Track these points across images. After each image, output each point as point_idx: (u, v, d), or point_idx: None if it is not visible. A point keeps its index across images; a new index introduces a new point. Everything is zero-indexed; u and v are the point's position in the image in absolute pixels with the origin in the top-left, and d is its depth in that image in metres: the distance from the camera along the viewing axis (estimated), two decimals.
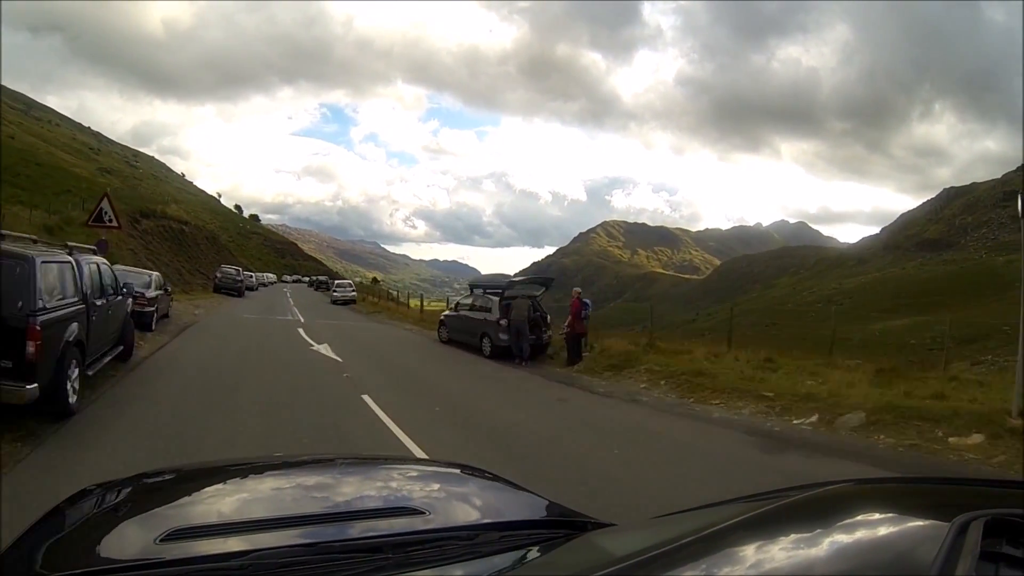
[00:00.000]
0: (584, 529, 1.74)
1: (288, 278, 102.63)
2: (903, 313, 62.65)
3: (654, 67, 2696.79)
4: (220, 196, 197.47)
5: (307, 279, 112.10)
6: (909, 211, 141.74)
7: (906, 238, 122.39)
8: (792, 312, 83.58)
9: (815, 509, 1.39)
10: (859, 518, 1.29)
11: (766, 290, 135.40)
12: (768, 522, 1.30)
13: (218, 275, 44.86)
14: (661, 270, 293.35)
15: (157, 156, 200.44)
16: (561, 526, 1.80)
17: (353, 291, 50.38)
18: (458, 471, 2.40)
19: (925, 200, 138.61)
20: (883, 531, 1.19)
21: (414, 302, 42.59)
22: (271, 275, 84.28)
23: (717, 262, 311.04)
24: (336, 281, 63.46)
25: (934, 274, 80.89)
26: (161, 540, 1.48)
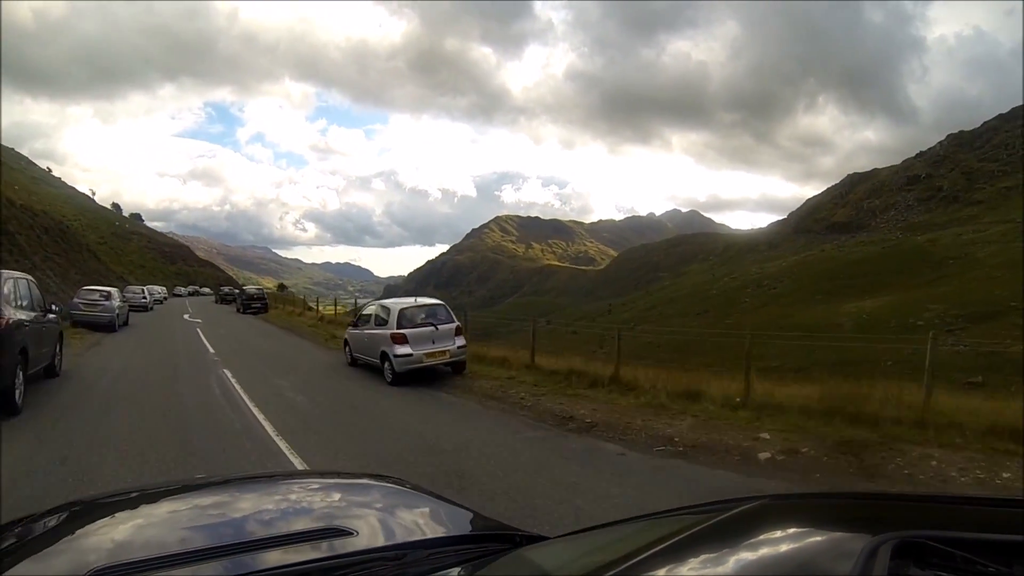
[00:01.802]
0: (513, 542, 1.73)
1: (182, 290, 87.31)
2: (849, 295, 58.65)
3: (544, 61, 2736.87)
4: (94, 194, 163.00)
5: (206, 290, 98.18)
6: (814, 197, 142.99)
7: (815, 222, 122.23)
8: (721, 298, 79.32)
9: (741, 529, 1.40)
10: (777, 538, 1.31)
11: (677, 278, 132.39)
12: (695, 543, 1.31)
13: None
14: (557, 263, 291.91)
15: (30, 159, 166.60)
16: (490, 540, 1.79)
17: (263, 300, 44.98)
18: (383, 483, 2.34)
19: (829, 186, 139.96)
20: (797, 555, 1.21)
21: (328, 308, 39.82)
22: (158, 288, 60.81)
23: (613, 252, 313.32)
24: (243, 288, 56.99)
25: (862, 255, 78.03)
26: None
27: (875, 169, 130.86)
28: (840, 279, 67.51)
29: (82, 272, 45.04)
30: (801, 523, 1.39)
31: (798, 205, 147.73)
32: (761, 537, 1.29)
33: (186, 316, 36.32)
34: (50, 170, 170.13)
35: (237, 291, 73.26)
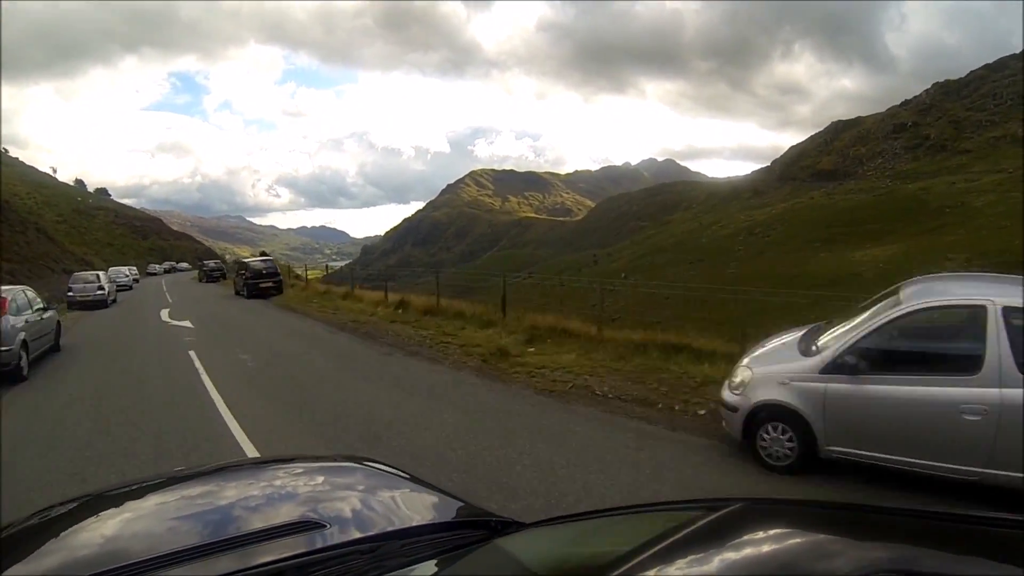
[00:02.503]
0: (488, 528, 1.76)
1: (156, 268, 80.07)
2: (850, 243, 57.92)
3: (515, 13, 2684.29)
4: (55, 172, 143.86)
5: (184, 265, 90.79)
6: (797, 144, 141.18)
7: (799, 169, 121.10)
8: (713, 246, 78.45)
9: (725, 532, 1.42)
10: (759, 541, 1.36)
11: (662, 227, 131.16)
12: (680, 544, 1.33)
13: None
14: (534, 215, 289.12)
15: None
16: (465, 527, 1.81)
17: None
18: (353, 465, 2.35)
19: (812, 134, 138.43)
20: (780, 560, 1.26)
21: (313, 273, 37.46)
22: (125, 271, 48.22)
23: (590, 203, 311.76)
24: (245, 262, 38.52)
25: (855, 203, 77.10)
26: None
27: (859, 117, 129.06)
28: (836, 227, 66.54)
29: (23, 258, 40.25)
30: (784, 529, 1.45)
31: (775, 153, 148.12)
32: (746, 539, 1.34)
33: (165, 315, 23.86)
34: (6, 151, 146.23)
35: (221, 264, 67.01)
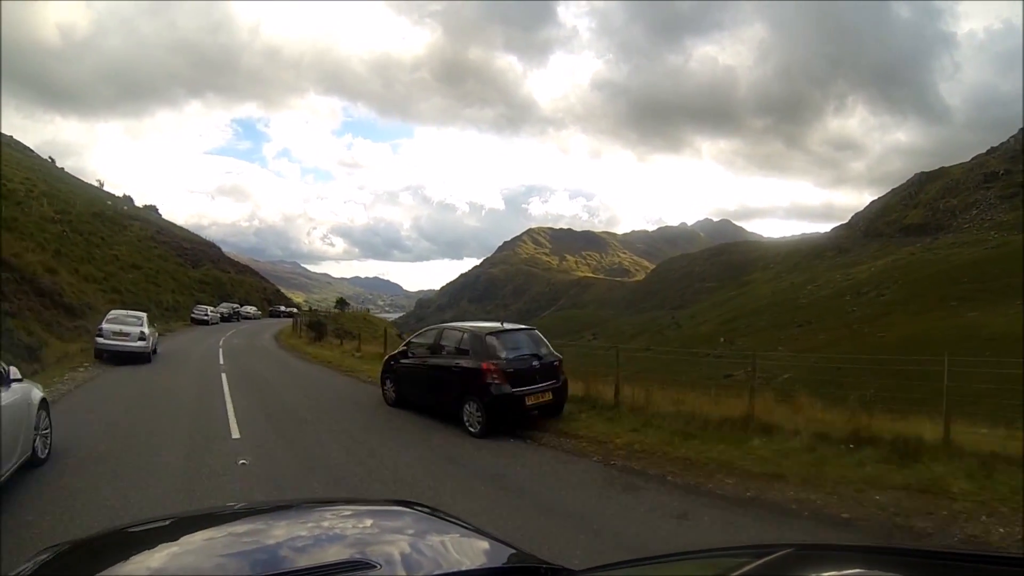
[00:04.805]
0: (538, 574, 1.77)
1: (209, 311, 49.52)
2: (990, 299, 53.24)
3: (570, 69, 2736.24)
4: (102, 184, 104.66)
5: (249, 311, 66.73)
6: (878, 199, 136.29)
7: (885, 225, 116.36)
8: (818, 307, 74.03)
9: None
10: None
11: (742, 288, 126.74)
12: None
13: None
14: (592, 274, 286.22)
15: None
16: (516, 573, 1.85)
17: None
18: (405, 509, 2.35)
19: (893, 188, 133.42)
20: None
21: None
22: (136, 318, 23.72)
23: (647, 263, 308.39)
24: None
25: (969, 258, 72.02)
26: None
27: (942, 168, 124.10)
28: (964, 283, 61.75)
29: None
30: (834, 574, 1.48)
31: (829, 211, 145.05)
32: None
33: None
34: (52, 160, 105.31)
35: (294, 310, 58.00)
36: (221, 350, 28.03)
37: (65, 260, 38.37)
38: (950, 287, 61.37)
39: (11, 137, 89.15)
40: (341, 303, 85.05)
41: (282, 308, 77.99)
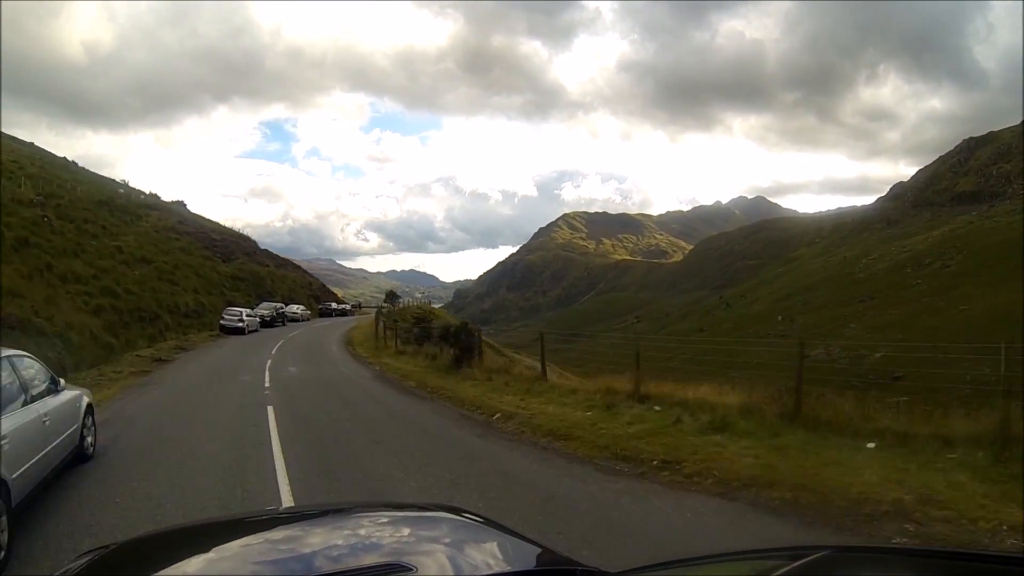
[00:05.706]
0: None
1: (246, 314, 40.11)
2: None
3: (596, 52, 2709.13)
4: (127, 183, 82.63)
5: (296, 310, 55.58)
6: (926, 167, 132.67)
7: (936, 194, 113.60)
8: (878, 280, 72.77)
9: None
10: None
11: (789, 264, 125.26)
12: None
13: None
14: (630, 257, 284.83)
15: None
16: (550, 575, 1.90)
17: None
18: (443, 514, 2.38)
19: (941, 155, 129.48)
20: None
21: None
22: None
23: (684, 244, 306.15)
24: None
25: None
26: None
27: (992, 132, 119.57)
28: None
29: None
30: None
31: (865, 184, 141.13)
32: None
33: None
34: (75, 161, 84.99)
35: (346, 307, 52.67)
36: (272, 415, 12.33)
37: (33, 253, 29.38)
38: (1021, 256, 59.93)
39: (32, 143, 78.24)
40: (391, 296, 71.27)
41: (333, 305, 70.78)
